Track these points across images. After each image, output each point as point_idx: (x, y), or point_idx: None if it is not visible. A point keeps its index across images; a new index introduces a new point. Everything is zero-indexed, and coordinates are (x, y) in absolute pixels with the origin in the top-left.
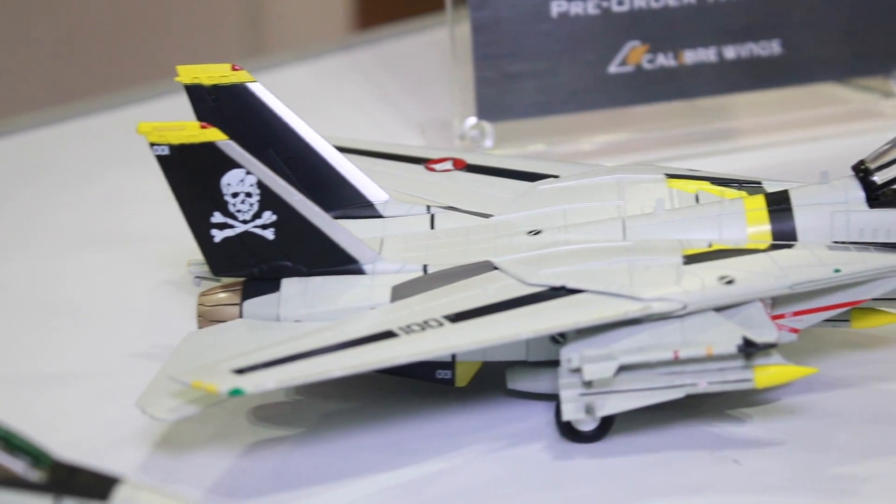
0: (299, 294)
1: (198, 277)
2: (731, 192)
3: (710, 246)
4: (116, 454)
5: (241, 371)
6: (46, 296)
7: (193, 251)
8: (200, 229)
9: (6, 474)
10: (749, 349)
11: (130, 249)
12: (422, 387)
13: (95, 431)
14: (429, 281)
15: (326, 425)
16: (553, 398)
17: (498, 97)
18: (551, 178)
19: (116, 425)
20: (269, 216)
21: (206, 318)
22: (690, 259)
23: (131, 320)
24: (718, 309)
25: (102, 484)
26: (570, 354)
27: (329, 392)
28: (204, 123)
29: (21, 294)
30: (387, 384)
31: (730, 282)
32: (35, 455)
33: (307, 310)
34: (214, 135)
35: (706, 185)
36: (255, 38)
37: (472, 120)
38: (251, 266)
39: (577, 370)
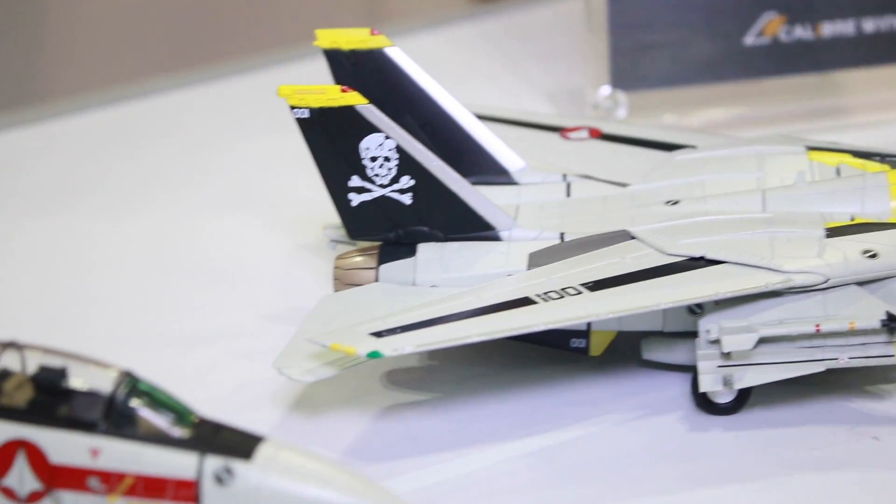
0: (436, 259)
1: (333, 241)
2: (873, 166)
3: (852, 219)
4: (252, 414)
5: (378, 334)
6: (183, 258)
7: (327, 216)
8: (338, 193)
9: (151, 430)
10: (892, 324)
11: (265, 213)
12: (556, 355)
13: (231, 392)
14: (566, 249)
15: (460, 391)
16: (688, 370)
17: (632, 67)
18: (689, 149)
19: (252, 386)
20: (406, 181)
21: (342, 282)
22: (833, 232)
23: (266, 283)
24: (861, 283)
25: (246, 442)
26: (709, 325)
27: (463, 358)
28: (345, 87)
29: (158, 256)
30: (520, 352)
31: (873, 255)
32: (180, 412)
33: (443, 275)
34: (355, 98)
35: (848, 157)
36: (376, 5)
37: (606, 89)
38: (387, 230)
39: (716, 342)
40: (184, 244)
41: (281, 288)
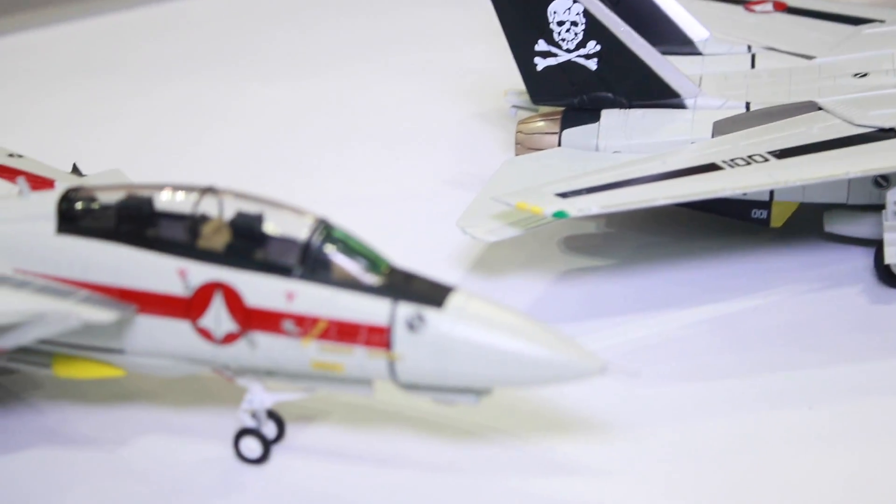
0: (619, 125)
1: (514, 107)
2: None
3: None
4: (432, 272)
5: (564, 195)
6: (364, 123)
7: (507, 85)
8: (524, 57)
9: (344, 276)
10: None
11: (445, 81)
12: (735, 226)
13: (411, 251)
14: (751, 118)
15: (639, 257)
16: (871, 243)
17: None
18: (877, 23)
19: (431, 246)
20: (593, 46)
21: (524, 146)
22: None
23: (444, 148)
24: None
25: (438, 291)
26: None
27: (640, 226)
28: None
29: (342, 120)
30: (699, 222)
31: None
32: (373, 260)
33: (627, 141)
34: None
35: None
36: None
37: None
38: (571, 96)
39: None
40: (366, 110)
41: (460, 154)
